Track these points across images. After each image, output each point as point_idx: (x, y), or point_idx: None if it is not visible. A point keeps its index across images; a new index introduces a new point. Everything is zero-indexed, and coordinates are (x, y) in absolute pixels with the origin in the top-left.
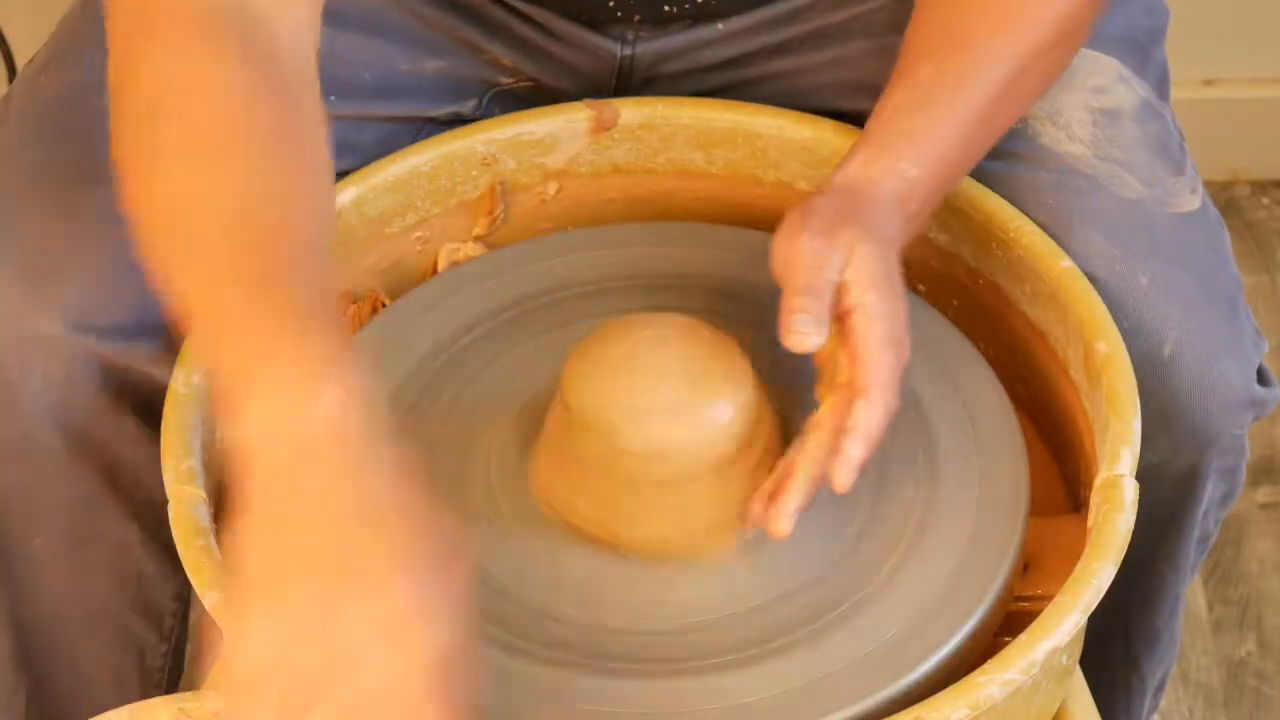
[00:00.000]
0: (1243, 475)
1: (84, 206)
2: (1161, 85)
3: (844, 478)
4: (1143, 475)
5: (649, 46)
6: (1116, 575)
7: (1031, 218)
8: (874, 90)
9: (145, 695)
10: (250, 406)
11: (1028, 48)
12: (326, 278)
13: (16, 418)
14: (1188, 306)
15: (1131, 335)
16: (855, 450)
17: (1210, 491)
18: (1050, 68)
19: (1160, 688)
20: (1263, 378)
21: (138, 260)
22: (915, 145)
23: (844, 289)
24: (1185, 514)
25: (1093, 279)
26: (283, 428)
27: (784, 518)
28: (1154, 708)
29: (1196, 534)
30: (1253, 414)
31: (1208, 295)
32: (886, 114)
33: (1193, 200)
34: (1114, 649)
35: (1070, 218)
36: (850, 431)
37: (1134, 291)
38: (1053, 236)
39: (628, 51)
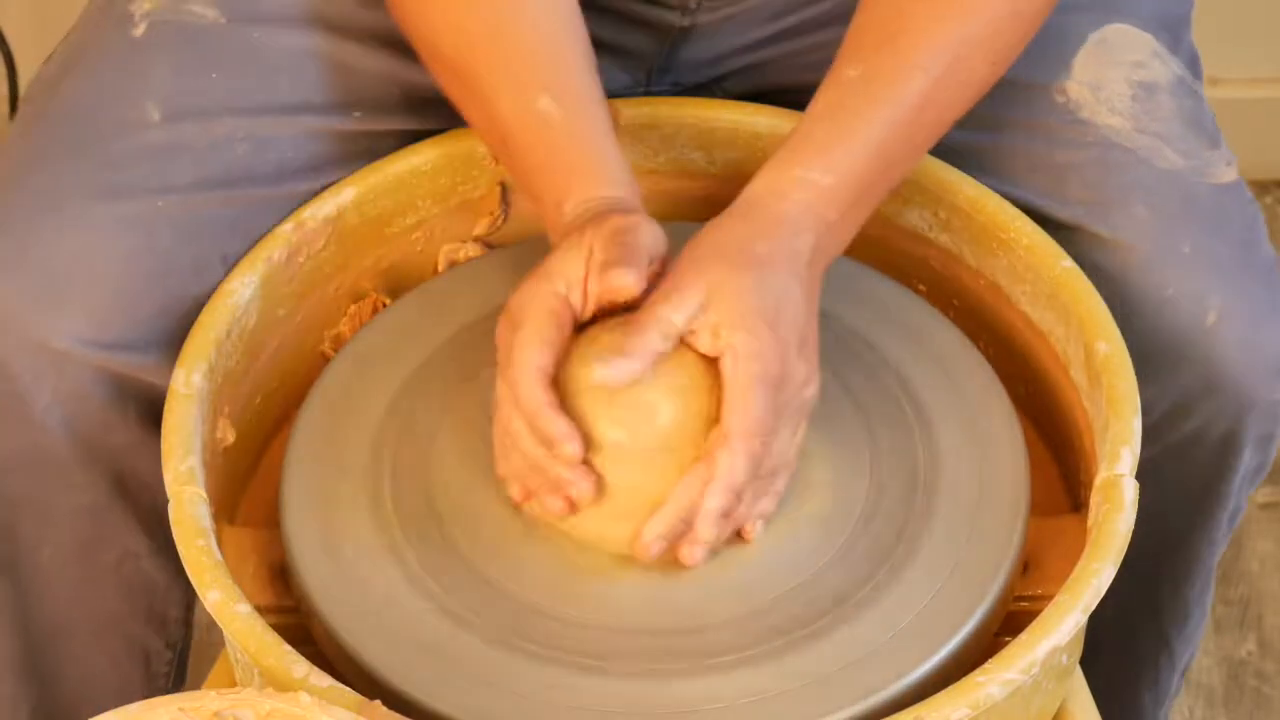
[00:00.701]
0: (1274, 448)
1: (100, 220)
2: (1193, 66)
3: (703, 530)
4: (1181, 443)
5: (711, 16)
6: (1150, 550)
7: (1074, 195)
8: None
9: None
10: (568, 203)
11: (975, 30)
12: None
13: (27, 428)
14: (1229, 274)
15: (1174, 303)
16: (713, 501)
17: (1246, 461)
18: (1002, 50)
19: (1185, 671)
20: None
21: (150, 273)
22: (829, 153)
23: (714, 331)
24: (1222, 482)
25: (1135, 249)
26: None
27: (640, 543)
28: (1177, 691)
29: (1231, 505)
30: None
31: (1247, 263)
32: (808, 121)
33: (1229, 172)
34: (1144, 626)
35: (1112, 192)
36: (709, 482)
37: (1176, 260)
38: (1095, 212)
39: (687, 22)
